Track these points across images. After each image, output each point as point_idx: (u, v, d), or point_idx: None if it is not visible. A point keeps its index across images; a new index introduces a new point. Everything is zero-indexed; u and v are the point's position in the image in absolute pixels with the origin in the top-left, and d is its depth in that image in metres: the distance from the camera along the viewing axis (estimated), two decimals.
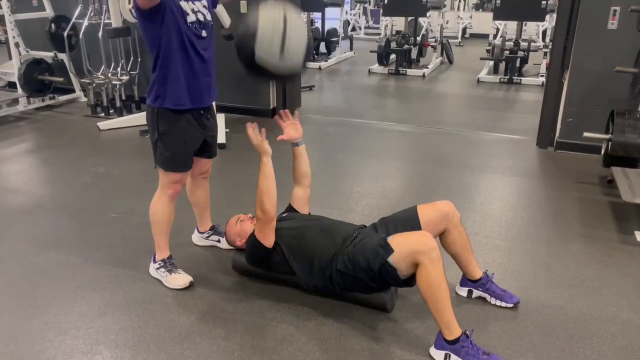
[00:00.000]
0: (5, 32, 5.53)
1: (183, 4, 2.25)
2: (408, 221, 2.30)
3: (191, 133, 2.40)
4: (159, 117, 2.34)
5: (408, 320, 2.28)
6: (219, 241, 2.87)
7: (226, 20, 4.57)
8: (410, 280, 2.07)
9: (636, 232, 3.02)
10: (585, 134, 3.76)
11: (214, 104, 2.55)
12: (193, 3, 2.31)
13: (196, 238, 2.92)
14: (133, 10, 2.25)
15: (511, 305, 2.36)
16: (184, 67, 2.29)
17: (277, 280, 2.49)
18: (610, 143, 3.53)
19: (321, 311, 2.34)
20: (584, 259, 2.79)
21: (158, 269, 2.56)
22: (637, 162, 3.60)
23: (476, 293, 2.42)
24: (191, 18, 2.26)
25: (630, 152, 3.46)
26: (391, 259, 2.03)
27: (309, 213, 2.63)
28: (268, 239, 2.31)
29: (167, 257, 2.57)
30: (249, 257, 2.45)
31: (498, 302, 2.37)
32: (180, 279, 2.52)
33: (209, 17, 2.38)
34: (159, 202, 2.49)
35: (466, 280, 2.43)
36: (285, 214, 2.54)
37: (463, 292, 2.45)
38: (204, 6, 2.37)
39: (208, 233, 2.88)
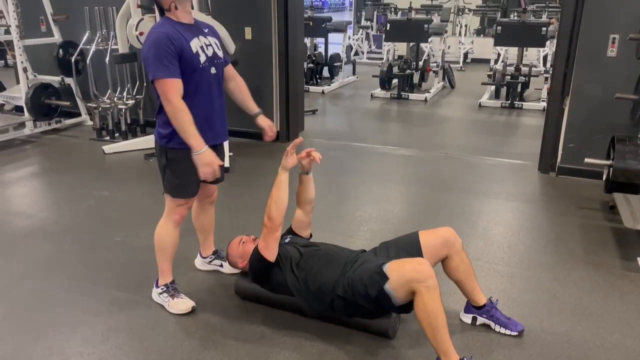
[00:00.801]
0: (14, 57, 5.63)
1: (193, 43, 2.25)
2: (409, 247, 2.31)
3: None
4: (167, 150, 2.36)
5: (410, 347, 2.27)
6: (221, 266, 2.87)
7: (231, 46, 4.66)
8: (408, 307, 2.07)
9: (639, 259, 3.02)
10: (587, 160, 3.78)
11: None
12: (205, 38, 2.33)
13: (199, 263, 2.92)
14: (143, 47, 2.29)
15: (516, 333, 2.35)
16: (199, 110, 2.29)
17: (279, 305, 2.49)
18: (611, 169, 3.54)
19: (323, 337, 2.33)
20: (586, 285, 2.78)
21: (161, 293, 2.56)
22: (638, 188, 3.61)
23: (480, 320, 2.41)
24: (202, 58, 2.27)
25: (631, 179, 3.47)
26: (387, 287, 2.04)
27: (310, 235, 2.65)
28: (271, 251, 2.32)
29: (170, 282, 2.57)
30: (252, 273, 2.46)
31: (502, 330, 2.36)
32: (182, 304, 2.52)
33: (220, 54, 2.39)
34: (165, 228, 2.50)
35: (470, 307, 2.42)
36: (287, 239, 2.55)
37: (467, 318, 2.44)
38: (216, 43, 2.39)
39: (211, 258, 2.89)
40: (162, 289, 2.56)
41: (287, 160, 2.37)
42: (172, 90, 2.17)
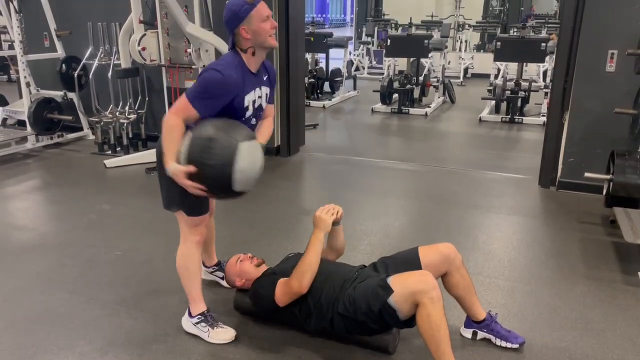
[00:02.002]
0: (17, 71, 5.68)
1: (248, 97, 2.20)
2: (409, 263, 2.30)
3: None
4: None
5: None
6: (222, 278, 2.86)
7: None
8: (410, 321, 2.07)
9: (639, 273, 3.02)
10: (587, 174, 3.79)
11: None
12: (260, 89, 2.29)
13: (202, 272, 2.91)
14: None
15: (516, 345, 2.34)
16: None
17: (279, 321, 2.48)
18: (611, 183, 3.55)
19: (323, 354, 2.32)
20: (587, 300, 2.77)
21: (197, 323, 2.43)
22: (638, 202, 3.61)
23: (481, 334, 2.40)
24: (249, 112, 2.24)
25: (631, 193, 3.47)
26: (391, 300, 2.03)
27: None
28: (285, 303, 2.30)
29: (206, 310, 2.46)
30: (256, 307, 2.45)
31: (503, 343, 2.35)
32: (225, 333, 2.41)
33: (264, 104, 2.36)
34: (187, 252, 2.39)
35: (470, 322, 2.41)
36: (291, 254, 2.55)
37: (467, 333, 2.43)
38: (267, 94, 2.36)
39: (214, 268, 2.89)
40: (198, 318, 2.43)
41: (327, 220, 2.29)
42: (183, 111, 2.10)
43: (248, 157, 2.06)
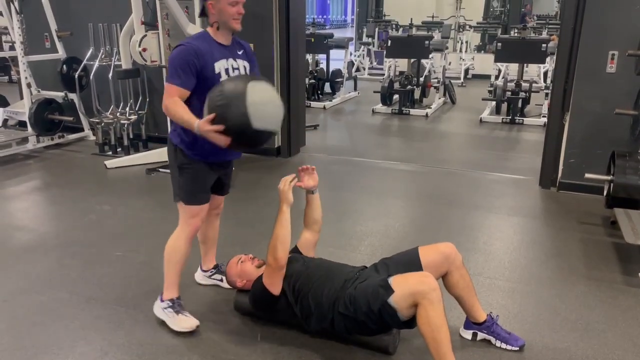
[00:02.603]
0: (18, 72, 5.68)
1: (219, 64, 2.31)
2: (409, 263, 2.30)
3: (207, 167, 2.44)
4: (178, 152, 2.39)
5: None
6: (221, 280, 2.86)
7: None
8: (411, 322, 2.07)
9: None
10: (587, 175, 3.79)
11: None
12: (236, 60, 2.38)
13: (199, 277, 2.92)
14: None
15: (516, 348, 2.34)
16: None
17: (279, 322, 2.48)
18: (612, 184, 3.55)
19: (323, 354, 2.32)
20: (588, 301, 2.77)
21: (165, 308, 2.51)
22: (639, 203, 3.61)
23: (481, 336, 2.40)
24: (223, 80, 2.29)
25: (632, 194, 3.47)
26: (392, 300, 2.03)
27: (313, 257, 2.64)
28: (276, 287, 2.31)
29: (176, 297, 2.53)
30: (254, 303, 2.45)
31: (503, 345, 2.35)
32: (186, 322, 2.47)
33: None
34: (177, 241, 2.48)
35: (470, 323, 2.41)
36: (290, 255, 2.55)
37: (467, 334, 2.43)
38: (245, 66, 2.43)
39: (211, 272, 2.89)
40: (167, 303, 2.52)
41: (288, 193, 2.33)
42: (172, 94, 2.25)
43: (258, 92, 2.12)
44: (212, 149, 2.27)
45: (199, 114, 2.20)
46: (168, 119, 2.39)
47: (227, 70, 2.34)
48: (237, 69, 2.39)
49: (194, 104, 2.28)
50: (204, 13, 2.37)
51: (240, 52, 2.45)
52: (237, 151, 2.58)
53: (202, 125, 2.11)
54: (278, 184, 2.36)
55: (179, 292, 2.55)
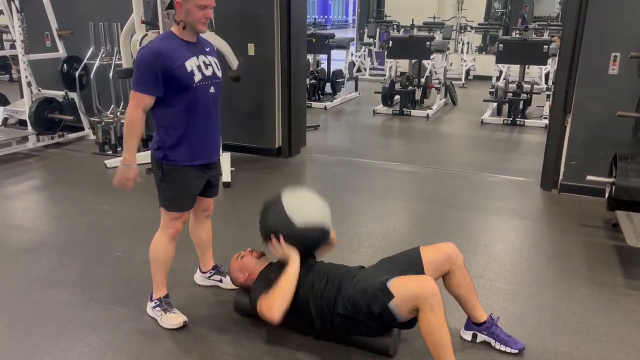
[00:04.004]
0: (19, 71, 5.67)
1: (189, 62, 2.28)
2: (410, 262, 2.29)
3: (194, 175, 2.44)
4: (163, 164, 2.40)
5: None
6: (221, 281, 2.86)
7: (234, 62, 4.68)
8: (411, 322, 2.06)
9: None
10: (589, 177, 3.77)
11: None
12: (206, 57, 2.37)
13: (198, 278, 2.91)
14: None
15: (516, 351, 2.32)
16: (192, 129, 2.34)
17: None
18: (613, 187, 3.53)
19: (323, 355, 2.31)
20: (590, 304, 2.76)
21: (154, 307, 2.55)
22: None
23: (481, 337, 2.39)
24: (198, 77, 2.30)
25: (634, 196, 3.45)
26: (392, 304, 2.02)
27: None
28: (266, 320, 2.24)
29: (163, 296, 2.56)
30: (254, 308, 2.43)
31: (503, 347, 2.34)
32: (174, 319, 2.50)
33: (219, 74, 2.43)
34: (160, 241, 2.51)
35: (471, 324, 2.40)
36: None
37: (467, 335, 2.42)
38: (215, 62, 2.43)
39: (210, 273, 2.88)
40: (155, 302, 2.55)
41: (288, 252, 2.31)
42: (137, 103, 2.26)
43: (292, 200, 2.36)
44: (193, 149, 2.33)
45: (180, 116, 2.28)
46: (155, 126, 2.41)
47: (199, 67, 2.31)
48: (210, 64, 2.37)
49: (175, 105, 2.29)
50: (171, 6, 2.34)
51: (207, 49, 2.44)
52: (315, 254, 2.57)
53: (131, 175, 2.32)
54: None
55: (166, 290, 2.57)
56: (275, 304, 2.18)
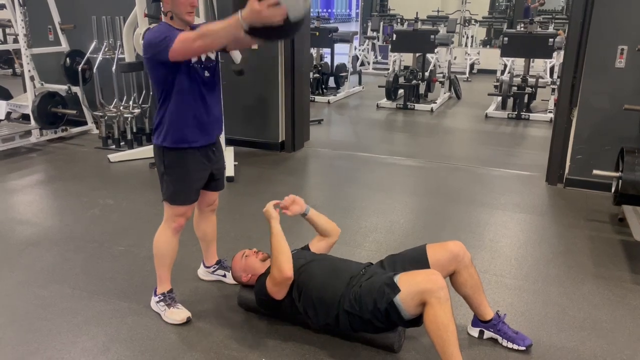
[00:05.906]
0: (22, 65, 5.66)
1: None
2: (416, 260, 2.27)
3: (197, 167, 2.42)
4: (164, 152, 2.38)
5: None
6: (224, 276, 2.84)
7: (237, 56, 4.65)
8: (417, 320, 2.04)
9: None
10: (595, 172, 3.73)
11: (221, 136, 2.57)
12: None
13: (202, 272, 2.90)
14: (142, 50, 2.29)
15: (523, 347, 2.30)
16: (189, 108, 2.33)
17: (283, 318, 2.46)
18: (620, 181, 3.49)
19: (328, 351, 2.29)
20: (596, 299, 2.73)
21: (158, 302, 2.54)
22: None
23: (487, 334, 2.37)
24: (194, 59, 2.28)
25: None
26: (398, 299, 2.00)
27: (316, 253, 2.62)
28: (280, 294, 2.29)
29: (167, 291, 2.55)
30: (258, 303, 2.43)
31: (510, 344, 2.32)
32: (178, 314, 2.49)
33: (212, 57, 2.39)
34: (163, 235, 2.50)
35: (477, 321, 2.38)
36: (294, 251, 2.52)
37: (474, 332, 2.40)
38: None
39: (214, 267, 2.87)
40: (159, 297, 2.54)
41: (270, 211, 2.37)
42: (181, 37, 2.09)
43: None
44: (190, 130, 2.31)
45: (176, 98, 2.26)
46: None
47: (199, 56, 2.29)
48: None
49: (171, 85, 2.27)
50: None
51: None
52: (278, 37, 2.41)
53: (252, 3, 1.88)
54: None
55: (170, 285, 2.56)
56: (280, 263, 2.22)
